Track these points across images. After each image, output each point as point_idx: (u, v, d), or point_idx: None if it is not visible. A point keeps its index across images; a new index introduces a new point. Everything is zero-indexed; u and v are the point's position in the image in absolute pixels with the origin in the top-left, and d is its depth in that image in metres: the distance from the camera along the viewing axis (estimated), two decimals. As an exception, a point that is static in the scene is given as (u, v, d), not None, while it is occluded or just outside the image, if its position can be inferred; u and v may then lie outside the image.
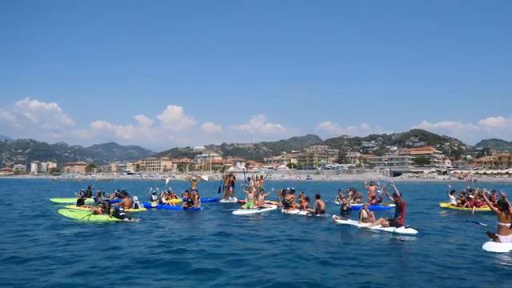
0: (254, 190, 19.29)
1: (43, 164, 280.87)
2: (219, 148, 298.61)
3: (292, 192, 18.86)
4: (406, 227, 11.51)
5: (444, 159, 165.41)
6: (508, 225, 8.92)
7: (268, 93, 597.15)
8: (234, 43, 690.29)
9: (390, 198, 12.95)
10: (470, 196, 18.52)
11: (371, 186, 21.91)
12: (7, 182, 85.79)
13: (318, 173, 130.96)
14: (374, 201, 19.22)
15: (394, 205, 12.56)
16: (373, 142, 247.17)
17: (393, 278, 6.73)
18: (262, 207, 18.46)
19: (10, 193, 37.68)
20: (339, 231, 12.18)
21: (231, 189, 23.81)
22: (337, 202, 20.82)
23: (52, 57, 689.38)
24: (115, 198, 18.24)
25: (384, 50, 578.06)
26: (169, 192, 21.99)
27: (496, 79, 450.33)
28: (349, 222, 13.48)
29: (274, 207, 19.00)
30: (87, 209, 16.21)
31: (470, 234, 11.30)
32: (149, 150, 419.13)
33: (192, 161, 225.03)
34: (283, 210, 17.30)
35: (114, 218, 14.00)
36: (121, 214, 14.30)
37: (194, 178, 25.22)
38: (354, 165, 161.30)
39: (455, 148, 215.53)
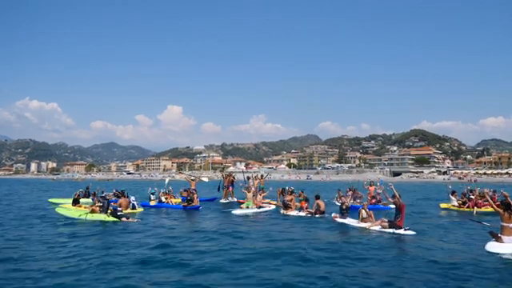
0: (253, 189, 19.22)
1: (43, 164, 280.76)
2: (219, 148, 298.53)
3: (291, 193, 18.71)
4: (405, 229, 11.40)
5: (444, 159, 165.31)
6: (511, 225, 8.78)
7: (268, 93, 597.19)
8: (233, 43, 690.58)
9: (390, 199, 12.86)
10: (471, 197, 18.37)
11: (371, 186, 21.81)
12: (7, 182, 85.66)
13: (317, 173, 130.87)
14: (373, 200, 19.12)
15: (394, 205, 12.45)
16: (373, 142, 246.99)
17: (393, 278, 6.63)
18: (261, 207, 18.35)
19: (9, 193, 37.55)
20: (338, 231, 12.08)
21: (231, 188, 23.72)
22: (336, 202, 20.68)
23: (52, 57, 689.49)
24: (113, 198, 18.08)
25: (384, 49, 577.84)
26: (167, 192, 21.85)
27: (496, 79, 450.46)
28: (348, 221, 13.39)
29: (273, 207, 18.88)
30: (82, 208, 16.08)
31: (472, 235, 11.17)
32: (149, 149, 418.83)
33: (192, 161, 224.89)
34: (282, 211, 17.15)
35: (112, 218, 13.89)
36: (119, 213, 14.22)
37: (192, 177, 25.08)
38: (354, 165, 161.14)
39: (455, 148, 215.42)
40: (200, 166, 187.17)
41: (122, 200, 16.38)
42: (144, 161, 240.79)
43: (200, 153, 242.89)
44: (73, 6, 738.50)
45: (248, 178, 22.85)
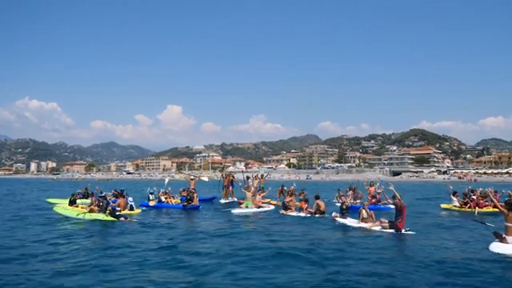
0: (253, 189, 19.10)
1: (43, 163, 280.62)
2: (219, 148, 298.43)
3: (291, 194, 18.58)
4: (406, 230, 11.28)
5: (444, 159, 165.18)
6: None
7: (268, 93, 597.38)
8: (233, 43, 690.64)
9: (389, 200, 12.74)
10: (473, 197, 18.21)
11: (371, 186, 21.70)
12: (7, 182, 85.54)
13: (317, 172, 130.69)
14: (374, 200, 19.00)
15: (394, 206, 12.31)
16: (372, 141, 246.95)
17: (396, 279, 6.53)
18: (260, 207, 18.21)
19: (9, 193, 37.42)
20: (338, 231, 11.97)
21: (231, 188, 23.59)
22: (336, 203, 20.52)
23: (52, 56, 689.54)
24: (113, 199, 17.88)
25: (384, 49, 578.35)
26: (166, 192, 21.67)
27: (496, 79, 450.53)
28: (348, 221, 13.27)
29: (272, 207, 18.72)
30: (79, 208, 15.94)
31: (475, 235, 11.05)
32: (148, 149, 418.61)
33: (191, 160, 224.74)
34: (282, 211, 17.01)
35: (110, 218, 13.78)
36: (117, 213, 14.12)
37: (191, 176, 24.92)
38: (354, 164, 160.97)
39: (455, 148, 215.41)
40: (200, 166, 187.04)
41: (120, 200, 16.23)
42: (144, 160, 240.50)
43: (200, 152, 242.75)
44: (73, 6, 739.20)
45: (248, 177, 22.74)
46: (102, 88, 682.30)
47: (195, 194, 19.03)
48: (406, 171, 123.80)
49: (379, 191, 19.48)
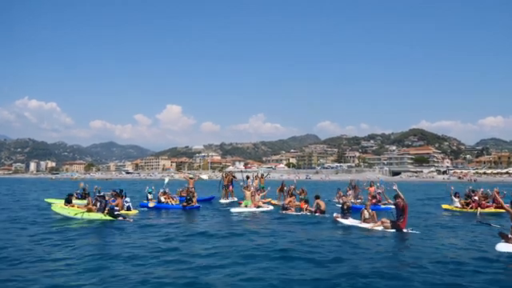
0: (252, 189, 19.01)
1: (42, 163, 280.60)
2: (218, 147, 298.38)
3: (291, 194, 18.50)
4: (408, 230, 11.20)
5: (443, 159, 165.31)
6: None
7: (267, 92, 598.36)
8: (233, 43, 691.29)
9: (389, 201, 12.66)
10: (475, 198, 18.11)
11: (371, 186, 21.59)
12: (6, 182, 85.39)
13: (317, 172, 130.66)
14: (374, 200, 18.91)
15: (394, 206, 12.20)
16: (372, 141, 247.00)
17: (400, 279, 6.43)
18: (259, 206, 18.11)
19: (8, 193, 37.29)
20: (340, 231, 11.85)
21: (231, 188, 23.45)
22: (337, 203, 20.42)
23: (51, 56, 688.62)
24: (112, 198, 17.74)
25: (384, 49, 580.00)
26: (165, 192, 21.51)
27: (495, 79, 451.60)
28: (350, 221, 13.15)
29: (271, 207, 18.62)
30: (77, 208, 15.83)
31: (479, 236, 10.96)
32: (147, 149, 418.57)
33: (191, 160, 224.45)
34: (281, 211, 16.95)
35: (109, 217, 13.71)
36: (115, 212, 14.04)
37: (190, 175, 24.76)
38: (353, 164, 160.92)
39: (454, 148, 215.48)
40: (199, 166, 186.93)
41: (118, 200, 16.15)
42: (143, 160, 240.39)
43: (199, 152, 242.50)
44: (73, 6, 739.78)
45: (247, 177, 22.65)
46: (101, 88, 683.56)
47: (195, 194, 18.90)
48: (405, 171, 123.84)
49: (379, 191, 19.40)
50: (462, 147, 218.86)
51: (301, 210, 16.51)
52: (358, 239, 10.37)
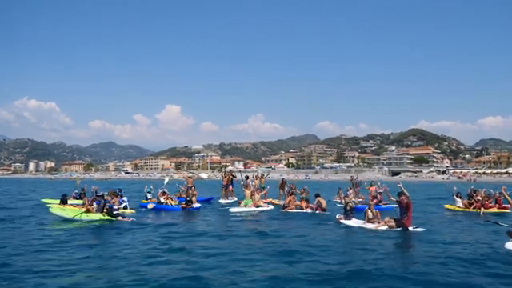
0: (252, 188, 18.92)
1: (41, 163, 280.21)
2: (217, 147, 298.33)
3: (292, 193, 18.40)
4: (413, 228, 11.07)
5: (443, 159, 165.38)
6: None
7: (267, 92, 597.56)
8: (233, 43, 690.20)
9: (392, 198, 12.56)
10: (478, 198, 17.98)
11: (371, 186, 21.47)
12: (5, 182, 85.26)
13: (316, 172, 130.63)
14: (375, 200, 18.77)
15: (397, 205, 12.11)
16: (371, 141, 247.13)
17: (409, 279, 6.29)
18: (259, 206, 17.98)
19: (7, 193, 37.21)
20: (344, 232, 11.71)
21: (231, 187, 23.29)
22: (337, 203, 20.28)
23: (51, 56, 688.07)
24: (109, 198, 17.55)
25: (384, 49, 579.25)
26: (165, 192, 21.32)
27: (495, 79, 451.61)
28: (354, 222, 12.98)
29: (272, 207, 18.51)
30: (76, 208, 15.69)
31: (486, 235, 10.85)
32: (147, 149, 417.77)
33: (190, 160, 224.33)
34: (282, 210, 16.82)
35: (108, 217, 13.58)
36: (114, 212, 13.91)
37: (189, 174, 24.57)
38: (353, 164, 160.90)
39: (453, 148, 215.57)
40: (198, 166, 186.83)
41: (114, 199, 16.00)
42: (142, 160, 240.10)
43: (198, 152, 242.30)
44: (73, 6, 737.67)
45: (247, 177, 22.53)
46: (100, 88, 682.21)
47: (195, 192, 18.78)
48: (404, 171, 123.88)
49: (380, 191, 19.30)
50: (462, 147, 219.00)
51: (301, 209, 16.40)
52: (363, 239, 10.23)
